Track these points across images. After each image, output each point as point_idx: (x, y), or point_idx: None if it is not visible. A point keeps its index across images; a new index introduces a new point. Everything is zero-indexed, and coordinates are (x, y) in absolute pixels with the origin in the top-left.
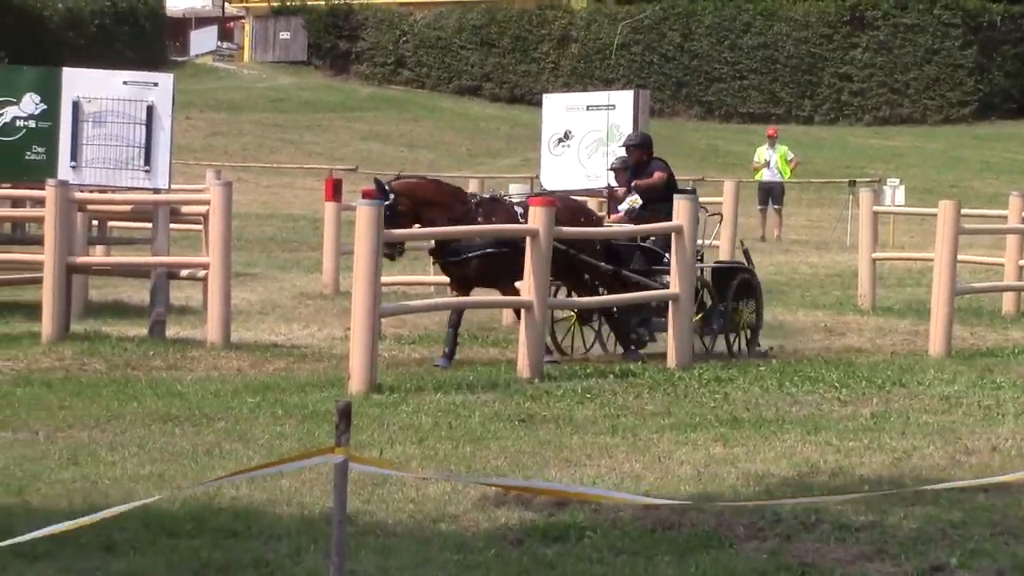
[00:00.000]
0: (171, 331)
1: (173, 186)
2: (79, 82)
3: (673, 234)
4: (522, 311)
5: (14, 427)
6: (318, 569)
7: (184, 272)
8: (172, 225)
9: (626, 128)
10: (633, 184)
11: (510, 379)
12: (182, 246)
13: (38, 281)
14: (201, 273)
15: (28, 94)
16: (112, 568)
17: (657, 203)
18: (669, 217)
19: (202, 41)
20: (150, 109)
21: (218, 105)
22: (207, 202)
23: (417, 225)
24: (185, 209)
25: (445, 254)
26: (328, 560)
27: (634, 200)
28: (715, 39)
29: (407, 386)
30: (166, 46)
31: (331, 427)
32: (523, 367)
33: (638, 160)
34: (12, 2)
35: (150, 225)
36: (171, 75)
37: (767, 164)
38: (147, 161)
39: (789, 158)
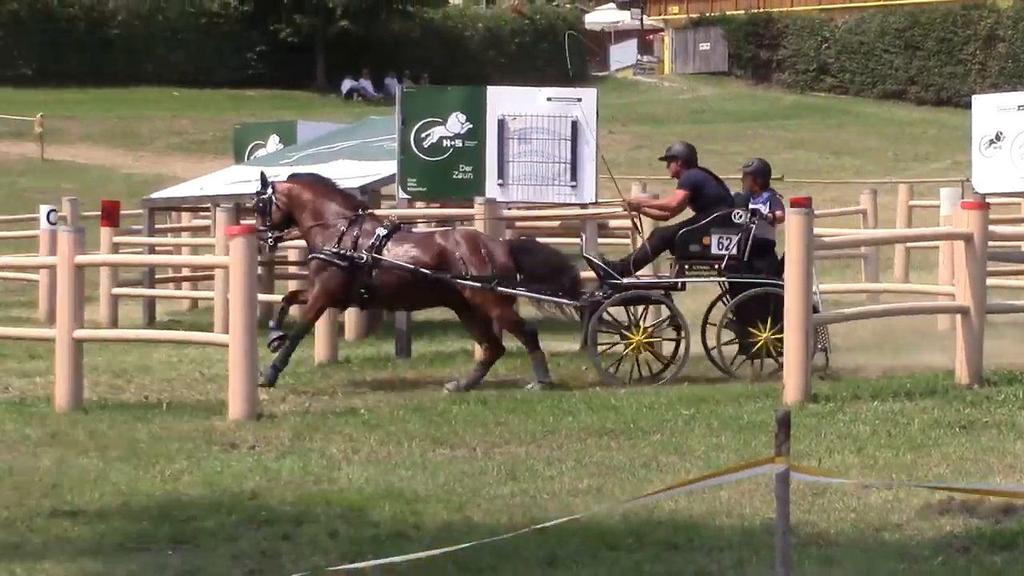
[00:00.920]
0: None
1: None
2: (503, 100)
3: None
4: (958, 316)
5: (452, 444)
6: None
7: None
8: (601, 240)
9: None
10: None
11: (948, 385)
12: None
13: None
14: None
15: (454, 114)
16: None
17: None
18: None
19: (622, 55)
20: (574, 124)
21: (640, 118)
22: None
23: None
24: (614, 223)
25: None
26: (772, 571)
27: None
28: None
29: (843, 395)
30: (587, 61)
31: (767, 438)
32: (962, 373)
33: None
34: (432, 24)
35: (578, 240)
36: (595, 90)
37: None
38: (573, 176)
39: None
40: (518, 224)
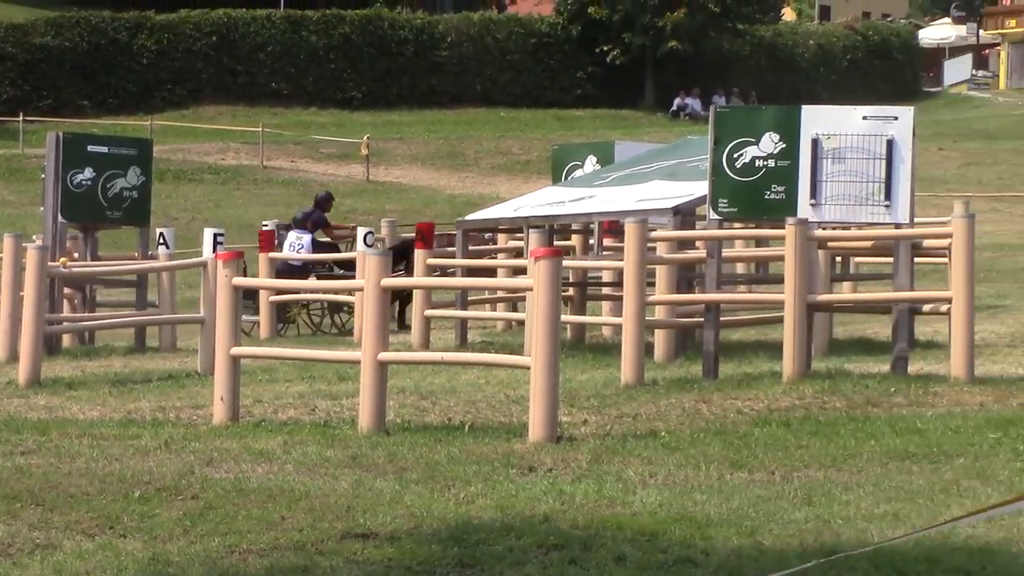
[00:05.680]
0: (914, 367)
1: (923, 219)
2: (818, 119)
3: None
4: None
5: (751, 467)
6: None
7: (927, 307)
8: (918, 259)
9: None
10: None
11: None
12: (932, 279)
13: (780, 320)
14: (944, 307)
15: (767, 133)
16: None
17: None
18: None
19: (956, 70)
20: (890, 143)
21: (972, 135)
22: (949, 235)
23: None
24: (928, 243)
25: None
26: None
27: None
28: None
29: None
30: (920, 77)
31: None
32: None
33: None
34: (764, 41)
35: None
36: (911, 108)
37: None
38: (887, 196)
39: None
40: (830, 244)
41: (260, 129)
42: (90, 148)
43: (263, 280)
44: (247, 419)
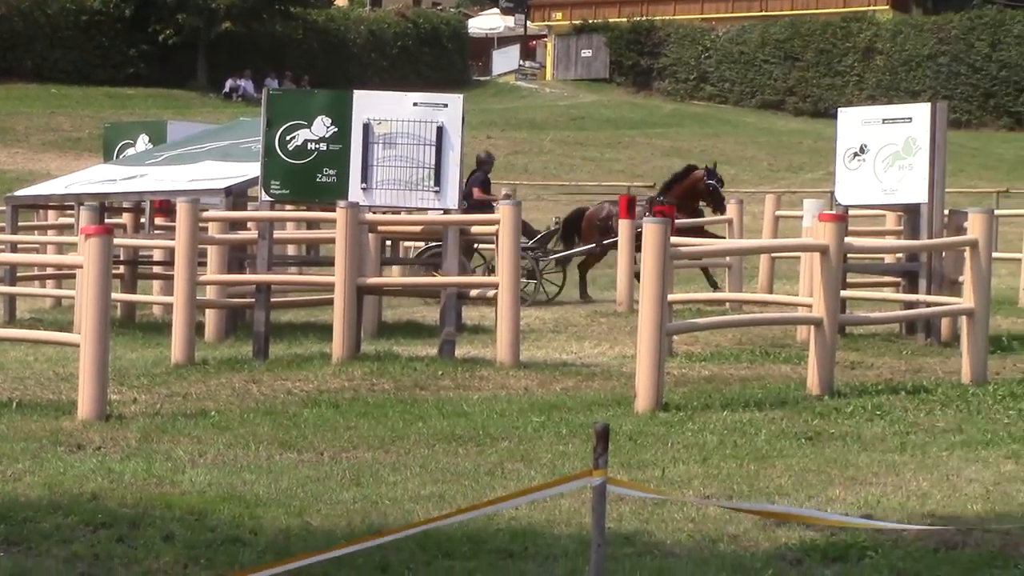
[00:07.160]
0: (462, 351)
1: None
2: (369, 104)
3: (968, 248)
4: (811, 328)
5: (300, 448)
6: None
7: (474, 292)
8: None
9: (923, 141)
10: None
11: (799, 396)
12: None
13: (331, 302)
14: (491, 292)
15: (319, 117)
16: None
17: None
18: None
19: (504, 60)
20: (440, 130)
21: (519, 124)
22: (497, 221)
23: None
24: (477, 228)
25: None
26: None
27: None
28: None
29: (694, 404)
30: (469, 66)
31: (615, 446)
32: (813, 384)
33: None
34: (316, 26)
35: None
36: (461, 96)
37: None
38: (437, 181)
39: None
40: (380, 228)
41: None
42: None
43: None
44: None
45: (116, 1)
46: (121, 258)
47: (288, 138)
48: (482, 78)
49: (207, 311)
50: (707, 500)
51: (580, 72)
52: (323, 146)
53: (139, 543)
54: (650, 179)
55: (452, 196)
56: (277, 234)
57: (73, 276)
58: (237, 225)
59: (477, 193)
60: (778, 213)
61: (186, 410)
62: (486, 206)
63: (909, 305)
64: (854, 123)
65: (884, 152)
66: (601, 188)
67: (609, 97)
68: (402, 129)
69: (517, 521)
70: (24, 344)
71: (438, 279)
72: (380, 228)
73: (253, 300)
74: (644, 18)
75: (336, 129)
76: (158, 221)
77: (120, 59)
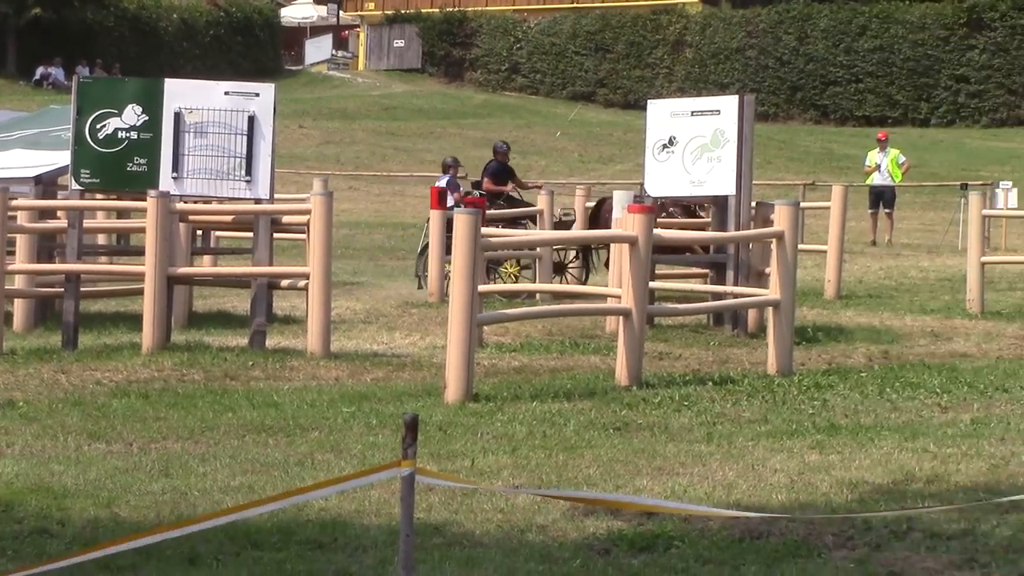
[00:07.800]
0: (272, 341)
1: (284, 195)
2: (180, 93)
3: (775, 240)
4: (620, 319)
5: (109, 439)
6: None
7: (285, 282)
8: (278, 235)
9: (731, 133)
10: None
11: (608, 387)
12: (291, 255)
13: (141, 292)
14: (302, 283)
15: (130, 105)
16: None
17: None
18: None
19: (317, 50)
20: (251, 119)
21: (332, 114)
22: (308, 212)
23: None
24: (288, 219)
25: None
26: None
27: None
28: (831, 42)
29: (504, 395)
30: (281, 56)
31: (424, 437)
32: (622, 374)
33: None
34: (128, 13)
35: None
36: (272, 85)
37: (878, 168)
38: (248, 171)
39: (900, 162)
40: (191, 218)
41: None
42: None
43: None
44: None
45: None
46: None
47: (99, 127)
48: (295, 68)
49: (16, 300)
50: (516, 489)
51: (393, 62)
52: (134, 135)
53: None
54: (462, 169)
55: (264, 186)
56: (87, 223)
57: None
58: (46, 214)
59: (487, 183)
60: (588, 204)
61: None
62: (498, 197)
63: (717, 296)
64: (663, 115)
65: (693, 144)
66: (414, 179)
67: (421, 87)
68: (213, 118)
69: (327, 512)
70: None
71: (249, 269)
72: (191, 217)
73: (62, 289)
74: (456, 9)
75: (147, 118)
76: None
77: None
